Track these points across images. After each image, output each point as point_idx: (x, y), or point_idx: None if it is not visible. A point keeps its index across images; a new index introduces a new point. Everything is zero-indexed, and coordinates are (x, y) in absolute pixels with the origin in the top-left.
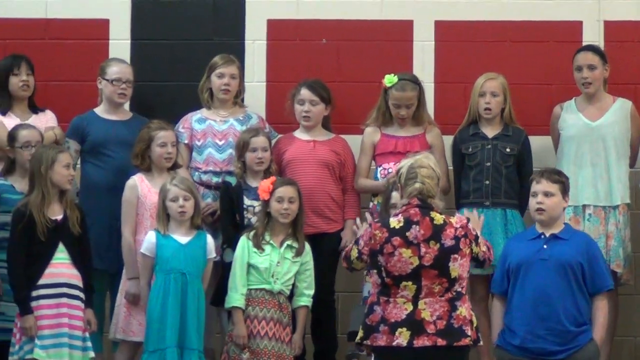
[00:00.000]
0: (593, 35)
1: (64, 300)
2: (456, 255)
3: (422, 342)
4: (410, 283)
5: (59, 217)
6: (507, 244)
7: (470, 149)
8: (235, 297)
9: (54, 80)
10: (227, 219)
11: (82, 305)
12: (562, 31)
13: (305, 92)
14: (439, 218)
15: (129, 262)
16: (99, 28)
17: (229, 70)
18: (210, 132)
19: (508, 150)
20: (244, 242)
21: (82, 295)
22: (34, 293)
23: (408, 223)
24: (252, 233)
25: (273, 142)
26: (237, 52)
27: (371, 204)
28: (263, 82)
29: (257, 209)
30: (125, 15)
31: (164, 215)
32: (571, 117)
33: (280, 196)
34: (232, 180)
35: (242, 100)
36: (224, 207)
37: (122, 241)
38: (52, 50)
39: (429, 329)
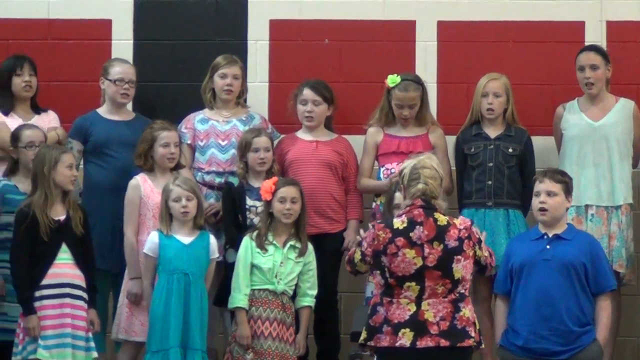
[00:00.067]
0: (595, 35)
1: (67, 300)
2: (459, 257)
3: (425, 343)
4: (413, 284)
5: (62, 217)
6: (510, 244)
7: (472, 149)
8: (239, 298)
9: (56, 81)
10: (229, 219)
11: (85, 305)
12: (565, 31)
13: (307, 92)
14: (442, 219)
15: (131, 262)
16: (102, 28)
17: (231, 71)
18: (213, 133)
19: (510, 150)
20: (247, 243)
21: (85, 295)
22: (37, 293)
23: (412, 224)
24: (255, 233)
25: (275, 142)
26: (239, 53)
27: (374, 204)
28: (265, 83)
29: (260, 209)
30: (128, 16)
31: (167, 216)
32: (574, 117)
33: (283, 196)
34: (235, 181)
35: (245, 100)
36: (227, 208)
37: (125, 241)
38: (54, 51)
39: (432, 329)
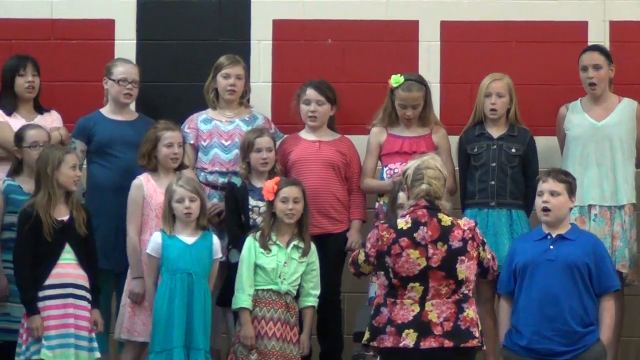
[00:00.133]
0: (598, 35)
1: (70, 300)
2: (463, 257)
3: (429, 343)
4: (417, 284)
5: (65, 217)
6: (514, 244)
7: (475, 150)
8: (243, 298)
9: (59, 81)
10: (232, 219)
11: (88, 305)
12: (568, 31)
13: (311, 92)
14: (446, 219)
15: (133, 262)
16: (105, 28)
17: (234, 71)
18: (216, 133)
19: (513, 150)
20: (250, 243)
21: (88, 295)
22: (41, 294)
23: (416, 224)
24: (258, 234)
25: (278, 142)
26: (242, 53)
27: (377, 204)
28: (269, 83)
29: (263, 209)
30: (131, 16)
31: (170, 216)
32: (577, 117)
33: (285, 196)
34: (238, 181)
35: (248, 100)
36: (229, 208)
37: (127, 241)
38: (57, 51)
39: (435, 330)
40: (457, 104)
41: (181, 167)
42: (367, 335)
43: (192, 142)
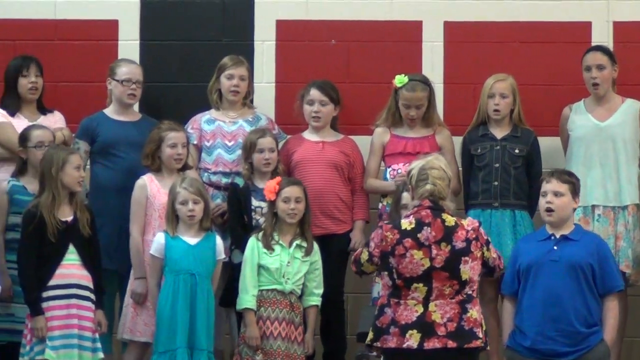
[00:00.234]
0: (602, 35)
1: (74, 301)
2: (467, 258)
3: (432, 344)
4: (421, 285)
5: (69, 218)
6: (518, 245)
7: (479, 150)
8: (247, 299)
9: (62, 81)
10: (235, 220)
11: (92, 306)
12: (571, 32)
13: (314, 93)
14: (450, 220)
15: (136, 262)
16: (108, 29)
17: (238, 72)
18: (220, 133)
19: (517, 151)
20: (253, 243)
21: (92, 296)
22: (44, 294)
23: (419, 224)
24: (260, 234)
25: (282, 143)
26: (246, 53)
27: (380, 204)
28: (272, 83)
29: (265, 210)
30: (135, 16)
31: (173, 217)
32: (580, 118)
33: (287, 196)
34: (241, 182)
35: (252, 101)
36: (232, 209)
37: (130, 241)
38: (61, 51)
39: (439, 331)
40: (460, 104)
41: (185, 167)
42: (370, 335)
43: (195, 142)
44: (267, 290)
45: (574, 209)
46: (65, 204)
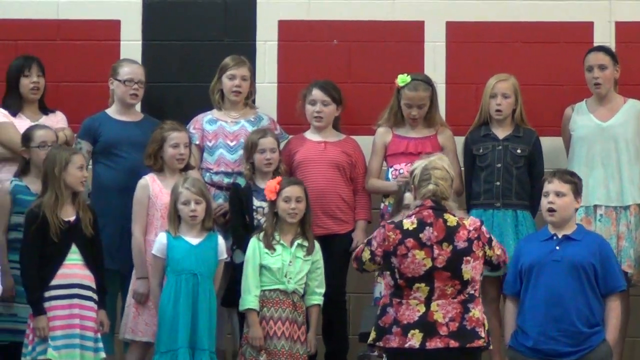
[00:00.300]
0: (604, 36)
1: (76, 301)
2: (469, 258)
3: (434, 343)
4: (423, 285)
5: (72, 218)
6: (520, 245)
7: (481, 150)
8: (249, 299)
9: (64, 81)
10: (236, 220)
11: (94, 306)
12: (573, 32)
13: (317, 93)
14: (452, 220)
15: (138, 262)
16: (110, 29)
17: (240, 72)
18: (222, 133)
19: (519, 151)
20: (254, 244)
21: (94, 296)
22: (47, 294)
23: (421, 224)
24: (261, 234)
25: (284, 143)
26: (248, 53)
27: (382, 204)
28: (274, 83)
29: (267, 210)
30: (137, 16)
31: (175, 217)
32: (582, 118)
33: (288, 196)
34: (243, 182)
35: (253, 101)
36: (234, 209)
37: (132, 241)
38: (63, 51)
39: (441, 330)
40: (462, 104)
41: (187, 167)
42: (373, 335)
43: (197, 142)
44: (270, 290)
45: (576, 209)
46: (68, 204)
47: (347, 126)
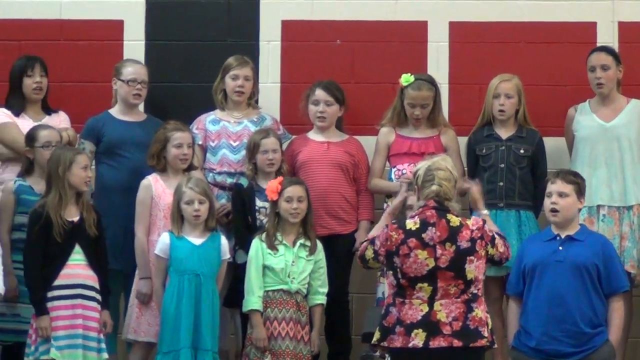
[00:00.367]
0: (607, 36)
1: (79, 301)
2: (472, 257)
3: (438, 343)
4: (426, 284)
5: (76, 218)
6: (523, 245)
7: (484, 150)
8: (253, 300)
9: (67, 81)
10: (239, 220)
11: (97, 306)
12: (577, 32)
13: (320, 93)
14: (455, 220)
15: (141, 262)
16: (113, 29)
17: (243, 72)
18: (225, 133)
19: (522, 151)
20: (257, 245)
21: (97, 296)
22: (50, 294)
23: (424, 225)
24: (264, 235)
25: (287, 143)
26: (251, 53)
27: (385, 204)
28: (277, 83)
29: (269, 210)
30: (140, 16)
31: (178, 217)
32: (585, 118)
33: (290, 196)
34: (246, 182)
35: (256, 101)
36: (236, 209)
37: (135, 241)
38: (66, 51)
39: (444, 330)
40: (465, 104)
41: (190, 167)
42: (377, 335)
43: (200, 142)
44: (273, 290)
45: (579, 210)
46: (72, 204)
47: (350, 126)
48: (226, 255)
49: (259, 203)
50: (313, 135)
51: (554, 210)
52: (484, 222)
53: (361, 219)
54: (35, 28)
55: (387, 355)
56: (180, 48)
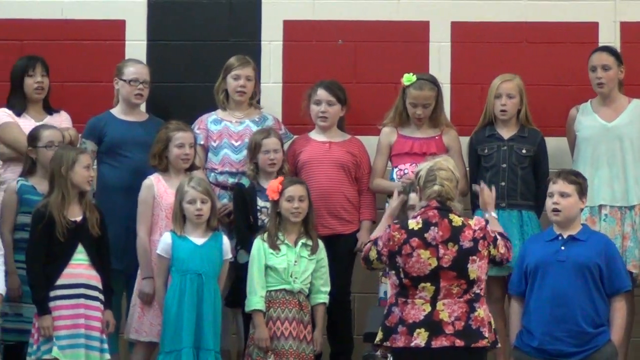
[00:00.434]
0: (609, 36)
1: (82, 301)
2: (474, 257)
3: (440, 342)
4: (428, 284)
5: (79, 218)
6: (525, 245)
7: (486, 151)
8: (255, 300)
9: (69, 81)
10: (240, 220)
11: (100, 306)
12: (578, 32)
13: (322, 93)
14: (457, 220)
15: (143, 262)
16: (115, 29)
17: (244, 72)
18: (226, 133)
19: (524, 151)
20: (259, 245)
21: (100, 296)
22: (52, 293)
23: (427, 224)
24: (265, 234)
25: (289, 143)
26: (253, 53)
27: (387, 204)
28: (279, 83)
29: (270, 210)
30: (142, 16)
31: (180, 217)
32: (587, 118)
33: (291, 195)
34: (247, 182)
35: (258, 101)
36: (238, 209)
37: (137, 241)
38: (68, 51)
39: (447, 329)
40: (467, 104)
41: (192, 167)
42: (380, 335)
43: (202, 142)
44: (276, 290)
45: (581, 209)
46: (75, 204)
47: (352, 126)
48: (228, 255)
49: (260, 203)
50: (315, 135)
51: (555, 210)
52: (487, 222)
53: (363, 219)
54: (37, 28)
55: (389, 355)
56: (182, 48)
